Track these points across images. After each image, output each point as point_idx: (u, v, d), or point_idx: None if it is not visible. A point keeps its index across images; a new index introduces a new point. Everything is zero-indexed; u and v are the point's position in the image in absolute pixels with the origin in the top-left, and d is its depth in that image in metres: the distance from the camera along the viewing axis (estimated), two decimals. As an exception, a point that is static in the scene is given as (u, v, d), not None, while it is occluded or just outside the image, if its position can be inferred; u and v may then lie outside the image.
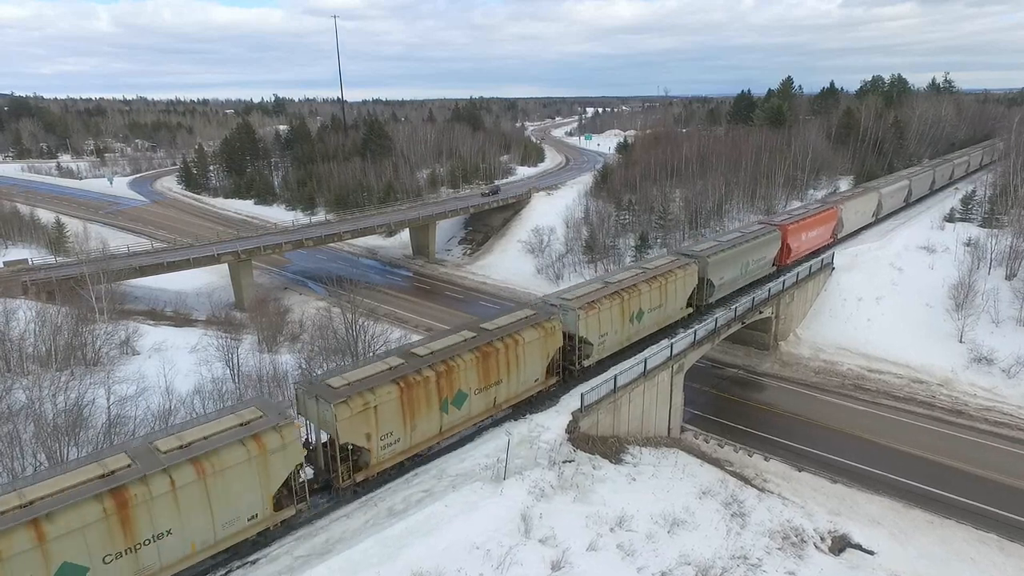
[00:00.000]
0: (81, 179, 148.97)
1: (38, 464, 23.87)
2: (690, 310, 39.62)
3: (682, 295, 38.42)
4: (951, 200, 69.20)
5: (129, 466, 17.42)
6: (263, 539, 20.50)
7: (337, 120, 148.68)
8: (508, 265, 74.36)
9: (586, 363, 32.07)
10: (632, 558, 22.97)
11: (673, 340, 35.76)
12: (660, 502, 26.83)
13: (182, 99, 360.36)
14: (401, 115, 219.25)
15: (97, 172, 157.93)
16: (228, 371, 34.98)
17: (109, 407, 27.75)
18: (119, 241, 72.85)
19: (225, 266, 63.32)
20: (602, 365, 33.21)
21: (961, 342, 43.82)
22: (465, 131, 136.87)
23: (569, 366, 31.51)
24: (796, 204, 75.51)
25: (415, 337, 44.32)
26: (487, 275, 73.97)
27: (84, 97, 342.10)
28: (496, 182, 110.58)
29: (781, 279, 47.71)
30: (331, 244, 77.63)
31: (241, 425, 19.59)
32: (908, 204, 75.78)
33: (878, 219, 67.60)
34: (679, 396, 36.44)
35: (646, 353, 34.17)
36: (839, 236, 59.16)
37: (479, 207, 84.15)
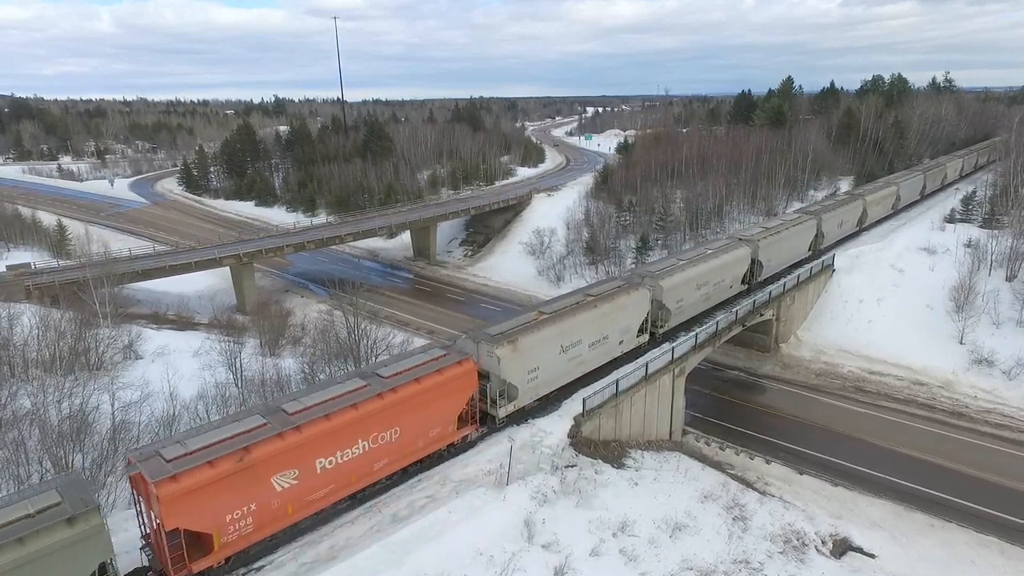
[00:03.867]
0: (82, 181, 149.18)
1: (44, 471, 23.96)
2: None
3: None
4: (951, 200, 69.26)
5: None
6: None
7: (337, 121, 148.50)
8: (509, 267, 74.41)
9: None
10: (635, 563, 23.14)
11: (674, 344, 35.86)
12: (662, 506, 27.00)
13: (182, 100, 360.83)
14: (401, 115, 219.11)
15: (98, 174, 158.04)
16: (231, 376, 35.04)
17: (113, 413, 27.81)
18: (120, 243, 73.04)
19: (227, 269, 63.48)
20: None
21: (962, 344, 43.92)
22: (465, 131, 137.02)
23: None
24: (797, 205, 75.57)
25: (418, 341, 44.46)
26: (488, 277, 74.06)
27: (84, 98, 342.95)
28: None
29: (782, 281, 47.70)
30: (332, 246, 77.64)
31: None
32: (752, 286, 45.50)
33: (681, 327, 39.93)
34: (680, 399, 36.51)
35: (647, 357, 34.26)
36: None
37: (480, 208, 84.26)
